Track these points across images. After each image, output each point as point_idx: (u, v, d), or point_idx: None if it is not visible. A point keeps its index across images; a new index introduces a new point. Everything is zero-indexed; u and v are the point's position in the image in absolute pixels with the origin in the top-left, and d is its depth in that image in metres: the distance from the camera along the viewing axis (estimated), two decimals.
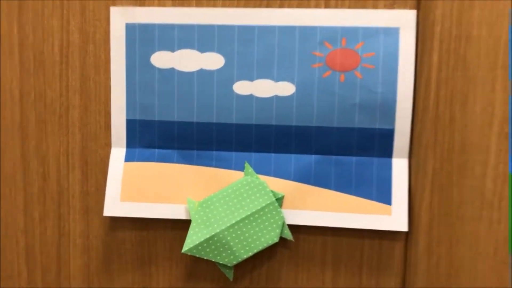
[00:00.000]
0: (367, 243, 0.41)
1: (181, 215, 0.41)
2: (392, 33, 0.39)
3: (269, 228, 0.40)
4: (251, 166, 0.41)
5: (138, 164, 0.42)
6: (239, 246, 0.40)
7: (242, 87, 0.41)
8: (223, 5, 0.40)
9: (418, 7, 0.39)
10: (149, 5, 0.41)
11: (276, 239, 0.40)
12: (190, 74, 0.41)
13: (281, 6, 0.40)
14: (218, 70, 0.40)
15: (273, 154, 0.41)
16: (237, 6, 0.40)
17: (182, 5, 0.40)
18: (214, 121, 0.41)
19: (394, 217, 0.40)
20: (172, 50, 0.41)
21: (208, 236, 0.40)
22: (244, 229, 0.40)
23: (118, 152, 0.42)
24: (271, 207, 0.40)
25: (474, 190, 0.39)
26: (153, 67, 0.41)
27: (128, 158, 0.42)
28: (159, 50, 0.41)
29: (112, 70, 0.41)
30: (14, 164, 0.43)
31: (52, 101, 0.43)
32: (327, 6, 0.39)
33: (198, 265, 0.43)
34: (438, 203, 0.40)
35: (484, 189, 0.39)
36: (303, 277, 0.42)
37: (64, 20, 0.42)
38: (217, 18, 0.40)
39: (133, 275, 0.44)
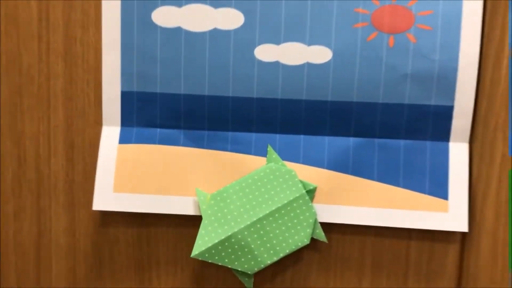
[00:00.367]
0: (414, 245, 0.41)
1: (189, 210, 0.41)
2: None
3: (298, 227, 0.39)
4: (275, 150, 0.41)
5: (135, 147, 0.41)
6: (262, 249, 0.39)
7: (265, 52, 0.40)
8: None
9: None
10: None
11: (306, 241, 0.39)
12: (201, 35, 0.40)
13: None
14: (236, 31, 0.39)
15: (302, 136, 0.41)
16: None
17: None
18: (230, 94, 0.40)
19: (451, 215, 0.39)
20: (179, 5, 0.40)
21: (223, 237, 0.39)
22: (267, 228, 0.39)
23: (110, 132, 0.41)
24: (300, 201, 0.39)
25: None
26: (155, 25, 0.40)
27: (123, 140, 0.41)
28: (162, 4, 0.40)
29: (103, 29, 0.41)
30: None
31: (28, 68, 0.42)
32: None
33: (207, 270, 0.43)
34: (505, 198, 0.39)
35: None
36: (335, 284, 0.41)
37: None
38: None
39: (128, 282, 0.43)
